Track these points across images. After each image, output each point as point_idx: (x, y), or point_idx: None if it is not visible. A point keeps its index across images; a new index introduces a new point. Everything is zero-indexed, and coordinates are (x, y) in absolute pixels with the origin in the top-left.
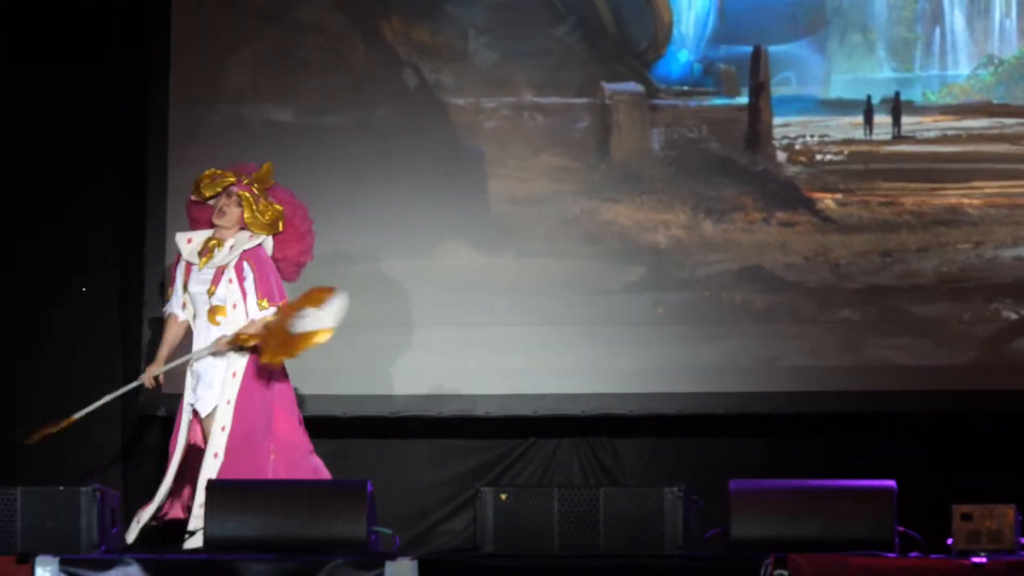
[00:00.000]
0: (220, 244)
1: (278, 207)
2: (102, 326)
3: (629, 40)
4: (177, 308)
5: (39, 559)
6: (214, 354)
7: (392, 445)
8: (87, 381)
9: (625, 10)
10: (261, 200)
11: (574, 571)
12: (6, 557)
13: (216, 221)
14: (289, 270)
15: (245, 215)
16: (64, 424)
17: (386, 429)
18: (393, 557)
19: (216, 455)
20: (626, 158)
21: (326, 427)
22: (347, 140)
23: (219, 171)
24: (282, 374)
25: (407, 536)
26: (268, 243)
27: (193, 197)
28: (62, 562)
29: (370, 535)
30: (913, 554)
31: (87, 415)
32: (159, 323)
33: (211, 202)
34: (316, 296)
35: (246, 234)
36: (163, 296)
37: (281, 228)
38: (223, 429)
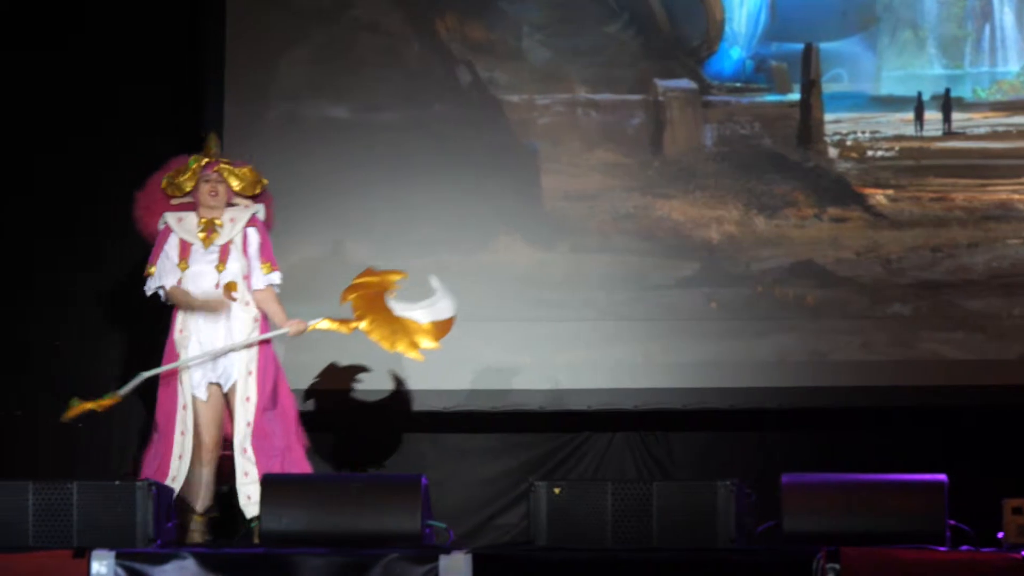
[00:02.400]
0: (218, 222)
1: (247, 166)
2: (154, 325)
3: (682, 37)
4: (173, 280)
5: (95, 553)
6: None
7: (446, 439)
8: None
9: (678, 7)
10: (236, 168)
11: (627, 564)
12: (62, 551)
13: (210, 203)
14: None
15: (234, 185)
16: (108, 401)
17: (440, 423)
18: (447, 551)
19: (248, 423)
20: (679, 154)
21: (382, 421)
22: (402, 137)
23: (179, 167)
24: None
25: (461, 530)
26: (262, 211)
27: (172, 193)
28: (118, 556)
29: (425, 529)
30: (964, 548)
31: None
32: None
33: (188, 196)
34: (384, 280)
35: (239, 207)
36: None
37: (265, 182)
38: (248, 400)
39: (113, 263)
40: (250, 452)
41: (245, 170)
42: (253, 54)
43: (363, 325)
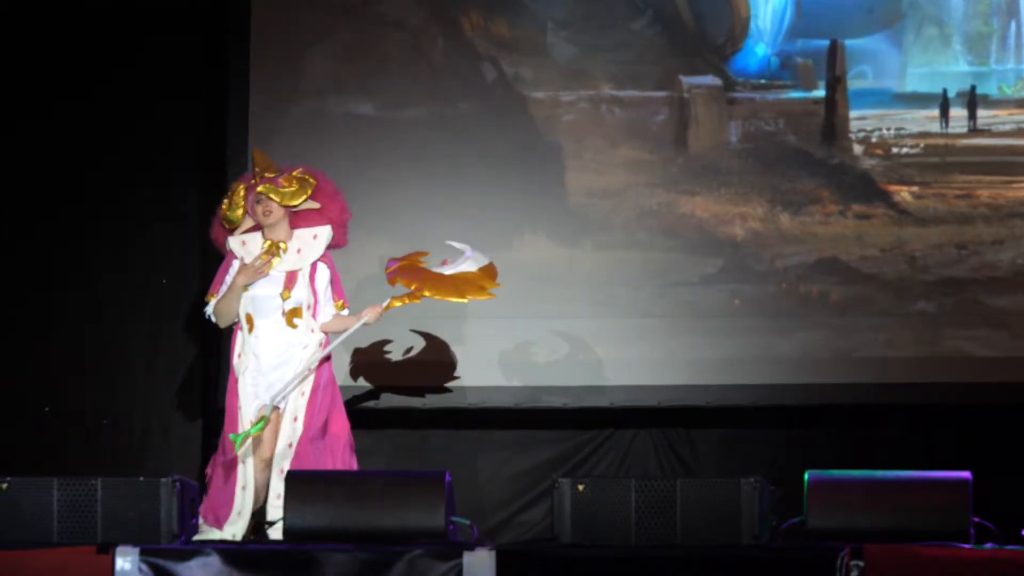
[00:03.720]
0: (283, 245)
1: (294, 172)
2: (179, 321)
3: (707, 34)
4: None
5: (119, 549)
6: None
7: (470, 436)
8: (166, 381)
9: (703, 4)
10: (277, 179)
11: (651, 561)
12: (87, 547)
13: (268, 222)
14: (339, 233)
15: (279, 200)
16: (262, 419)
17: (465, 420)
18: (471, 547)
19: (291, 445)
20: (703, 151)
21: (405, 418)
22: (427, 133)
23: (224, 199)
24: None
25: (485, 526)
26: (329, 239)
27: (226, 226)
28: (142, 552)
29: (448, 525)
30: (988, 545)
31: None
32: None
33: (244, 222)
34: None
35: (308, 234)
36: (206, 299)
37: (313, 182)
38: (295, 420)
39: (137, 269)
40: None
41: (285, 179)
42: (278, 51)
43: (426, 292)
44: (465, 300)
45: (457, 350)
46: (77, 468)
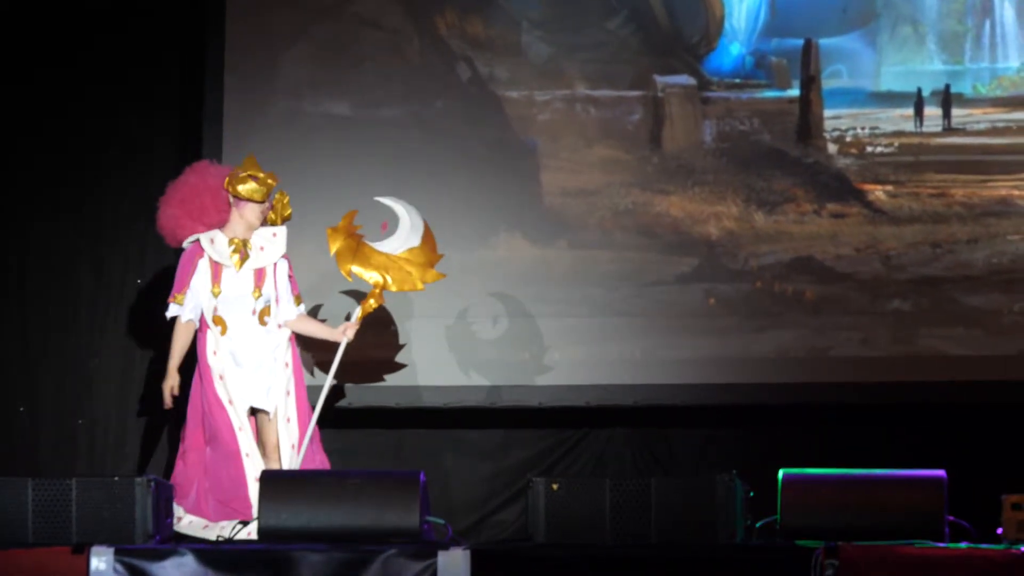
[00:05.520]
0: (247, 244)
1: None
2: (154, 322)
3: (681, 33)
4: (193, 313)
5: (94, 549)
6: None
7: (445, 435)
8: (141, 381)
9: (677, 3)
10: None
11: (626, 561)
12: (61, 547)
13: (254, 224)
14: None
15: (275, 210)
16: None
17: (439, 420)
18: (446, 547)
19: (293, 446)
20: (678, 150)
21: (380, 418)
22: (402, 133)
23: (260, 174)
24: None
25: (460, 526)
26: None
27: (236, 192)
28: (117, 552)
29: (423, 525)
30: (963, 544)
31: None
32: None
33: (251, 203)
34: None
35: (267, 232)
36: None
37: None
38: (288, 420)
39: (113, 270)
40: None
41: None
42: (254, 51)
43: (385, 283)
44: (422, 287)
45: (431, 349)
46: (51, 468)
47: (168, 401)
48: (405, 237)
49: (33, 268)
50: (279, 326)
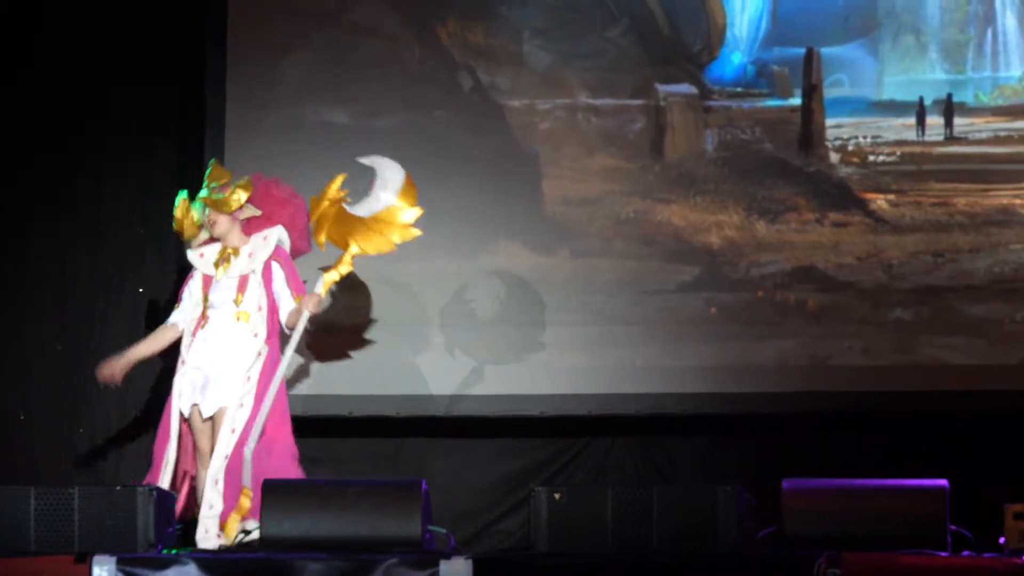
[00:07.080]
0: (236, 252)
1: (222, 174)
2: (154, 325)
3: (683, 42)
4: (180, 318)
5: (96, 558)
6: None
7: (446, 445)
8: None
9: (679, 12)
10: (222, 189)
11: (628, 570)
12: (64, 556)
13: (214, 233)
14: (296, 238)
15: (214, 208)
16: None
17: (440, 429)
18: (448, 556)
19: (226, 456)
20: (680, 159)
21: (380, 427)
22: (403, 141)
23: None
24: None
25: (462, 535)
26: (284, 238)
27: (193, 245)
28: (119, 561)
29: (425, 534)
30: (965, 553)
31: None
32: None
33: (202, 235)
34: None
35: (259, 237)
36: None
37: (250, 188)
38: (232, 432)
39: (112, 278)
40: (221, 485)
41: (230, 189)
42: (254, 59)
43: (354, 250)
44: (394, 248)
45: (432, 357)
46: (53, 477)
47: (104, 376)
48: (382, 195)
49: (32, 275)
50: (255, 335)
